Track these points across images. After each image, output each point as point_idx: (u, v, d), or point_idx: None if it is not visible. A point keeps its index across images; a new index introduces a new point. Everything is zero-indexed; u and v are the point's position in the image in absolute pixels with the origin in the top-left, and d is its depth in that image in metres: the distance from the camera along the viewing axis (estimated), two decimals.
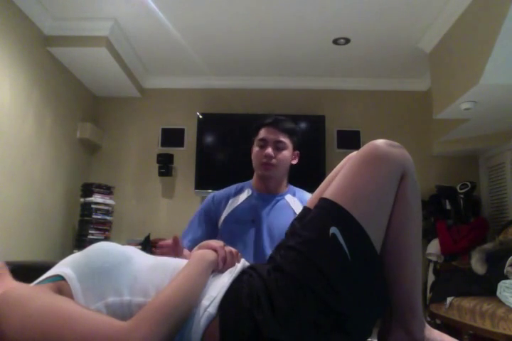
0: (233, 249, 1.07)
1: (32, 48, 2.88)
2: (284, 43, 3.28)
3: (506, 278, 2.34)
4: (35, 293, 0.83)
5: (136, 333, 0.74)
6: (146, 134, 3.92)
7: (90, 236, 3.31)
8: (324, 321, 0.83)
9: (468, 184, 3.38)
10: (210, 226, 1.73)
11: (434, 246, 3.34)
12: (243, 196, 1.75)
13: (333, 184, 0.99)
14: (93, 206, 3.37)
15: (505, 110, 2.87)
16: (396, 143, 1.02)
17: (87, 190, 3.43)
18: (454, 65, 2.84)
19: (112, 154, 3.89)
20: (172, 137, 3.88)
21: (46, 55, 3.06)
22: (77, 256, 0.96)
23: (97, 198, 3.40)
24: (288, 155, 1.70)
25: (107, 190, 3.52)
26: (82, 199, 3.42)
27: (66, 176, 3.40)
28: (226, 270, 1.00)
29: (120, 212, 3.69)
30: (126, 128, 3.93)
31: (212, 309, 0.86)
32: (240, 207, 1.71)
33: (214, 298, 0.88)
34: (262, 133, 1.70)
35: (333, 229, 0.88)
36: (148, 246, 3.55)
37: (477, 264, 2.64)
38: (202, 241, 1.66)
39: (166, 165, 3.73)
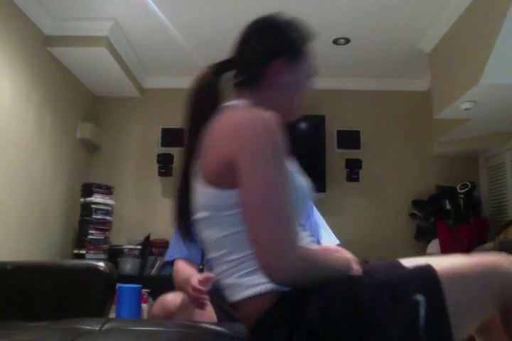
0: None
1: (32, 48, 2.88)
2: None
3: None
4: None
5: (288, 260, 0.77)
6: (146, 134, 3.92)
7: (90, 236, 3.31)
8: None
9: (468, 184, 3.38)
10: None
11: (434, 247, 3.34)
12: None
13: (447, 258, 0.93)
14: (93, 206, 3.37)
15: (505, 110, 2.87)
16: None
17: (87, 190, 3.43)
18: (454, 65, 2.84)
19: (112, 154, 3.89)
20: (172, 137, 3.88)
21: (46, 55, 3.06)
22: None
23: (97, 198, 3.40)
24: None
25: (107, 190, 3.52)
26: (82, 199, 3.42)
27: (66, 176, 3.40)
28: None
29: (120, 212, 3.69)
30: (126, 128, 3.93)
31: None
32: None
33: None
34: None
35: (419, 297, 0.81)
36: (148, 246, 3.56)
37: None
38: (198, 255, 1.59)
39: (166, 165, 3.72)
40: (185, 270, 1.47)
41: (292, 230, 0.80)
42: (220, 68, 1.02)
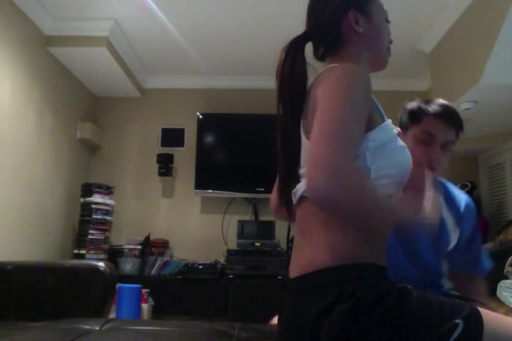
0: None
1: (32, 48, 2.88)
2: (285, 43, 3.28)
3: (506, 278, 2.34)
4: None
5: (338, 174, 0.72)
6: (146, 134, 3.92)
7: (90, 236, 3.31)
8: None
9: (468, 184, 3.38)
10: None
11: None
12: None
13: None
14: (93, 206, 3.37)
15: (505, 110, 2.87)
16: None
17: (87, 190, 3.43)
18: (454, 65, 2.84)
19: (112, 154, 3.90)
20: (172, 137, 3.88)
21: (46, 55, 3.06)
22: None
23: (97, 198, 3.40)
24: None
25: (107, 190, 3.52)
26: (82, 199, 3.42)
27: (66, 176, 3.41)
28: None
29: (120, 212, 3.69)
30: (126, 128, 3.93)
31: None
32: None
33: None
34: (430, 125, 1.27)
35: (459, 321, 0.81)
36: (148, 246, 3.56)
37: None
38: None
39: (166, 165, 3.73)
40: None
41: (350, 150, 0.77)
42: (299, 44, 1.07)
